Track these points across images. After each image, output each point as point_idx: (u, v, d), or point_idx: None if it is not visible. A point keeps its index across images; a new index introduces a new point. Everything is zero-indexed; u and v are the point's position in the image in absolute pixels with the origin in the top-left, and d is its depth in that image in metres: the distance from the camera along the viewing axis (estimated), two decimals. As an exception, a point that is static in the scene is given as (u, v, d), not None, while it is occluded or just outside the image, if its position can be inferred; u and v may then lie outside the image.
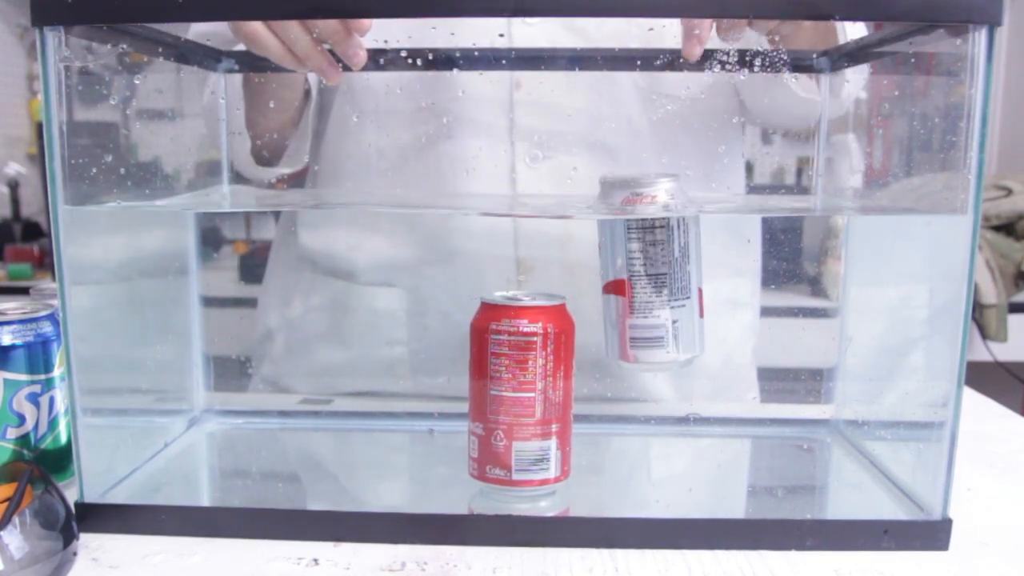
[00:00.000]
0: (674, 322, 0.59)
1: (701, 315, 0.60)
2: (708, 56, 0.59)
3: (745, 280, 0.82)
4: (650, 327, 0.59)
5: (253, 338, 0.87)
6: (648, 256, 0.59)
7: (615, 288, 0.60)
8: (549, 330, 0.55)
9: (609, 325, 0.61)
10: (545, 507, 0.57)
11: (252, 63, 0.69)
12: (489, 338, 0.55)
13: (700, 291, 0.60)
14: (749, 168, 1.03)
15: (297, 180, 0.82)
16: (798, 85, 0.69)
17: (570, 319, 0.56)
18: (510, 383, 0.55)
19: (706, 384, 0.81)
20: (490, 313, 0.55)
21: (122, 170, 0.60)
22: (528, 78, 0.73)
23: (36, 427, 0.59)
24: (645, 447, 0.73)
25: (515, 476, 0.56)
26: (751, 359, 0.85)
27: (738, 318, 0.83)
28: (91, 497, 0.55)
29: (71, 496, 0.53)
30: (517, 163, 0.74)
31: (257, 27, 0.58)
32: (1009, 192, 2.05)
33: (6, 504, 0.47)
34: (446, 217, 0.77)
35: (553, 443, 0.56)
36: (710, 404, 0.78)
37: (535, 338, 0.54)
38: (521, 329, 0.54)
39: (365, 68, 0.60)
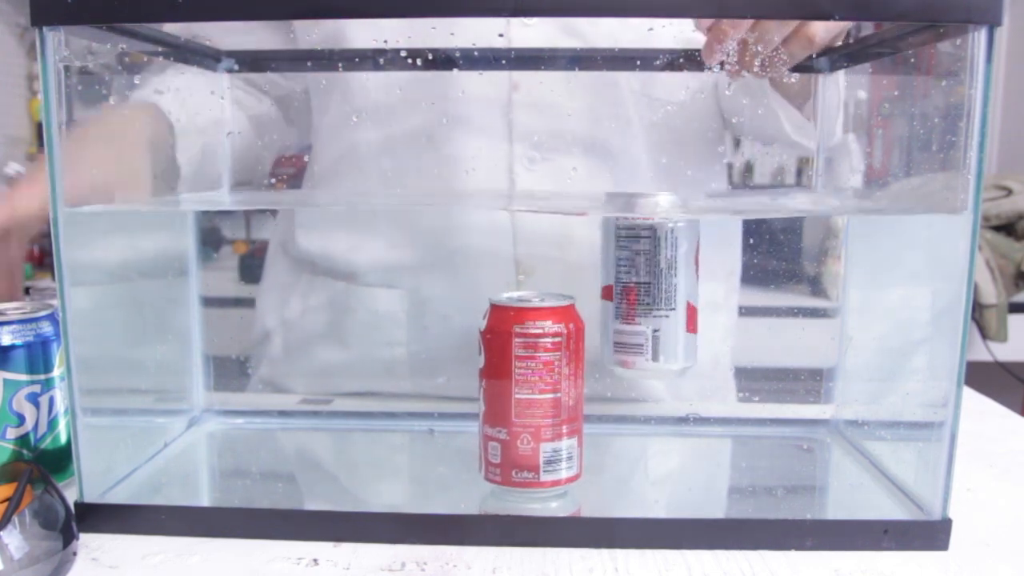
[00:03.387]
0: (655, 331, 0.60)
1: (690, 329, 0.61)
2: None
3: (728, 282, 0.82)
4: (631, 333, 0.60)
5: (252, 339, 0.87)
6: (633, 264, 0.60)
7: (606, 293, 0.62)
8: (571, 329, 0.55)
9: (603, 329, 0.62)
10: (557, 507, 0.56)
11: (253, 63, 0.69)
12: (514, 341, 0.54)
13: (690, 305, 0.60)
14: (749, 168, 1.03)
15: (297, 181, 0.82)
16: (792, 127, 0.70)
17: (580, 317, 0.57)
18: (537, 385, 0.54)
19: (698, 385, 0.80)
20: (511, 315, 0.54)
21: (122, 170, 0.60)
22: (526, 80, 0.73)
23: (36, 427, 0.59)
24: (645, 447, 0.73)
25: (543, 477, 0.55)
26: (730, 360, 0.85)
27: (721, 319, 0.84)
28: (91, 497, 0.55)
29: (71, 496, 0.53)
30: (515, 164, 0.74)
31: None
32: (1009, 192, 2.05)
33: (6, 504, 0.47)
34: (445, 217, 0.77)
35: (575, 441, 0.56)
36: (707, 404, 0.78)
37: (560, 338, 0.54)
38: (548, 330, 0.54)
39: (365, 68, 0.60)
